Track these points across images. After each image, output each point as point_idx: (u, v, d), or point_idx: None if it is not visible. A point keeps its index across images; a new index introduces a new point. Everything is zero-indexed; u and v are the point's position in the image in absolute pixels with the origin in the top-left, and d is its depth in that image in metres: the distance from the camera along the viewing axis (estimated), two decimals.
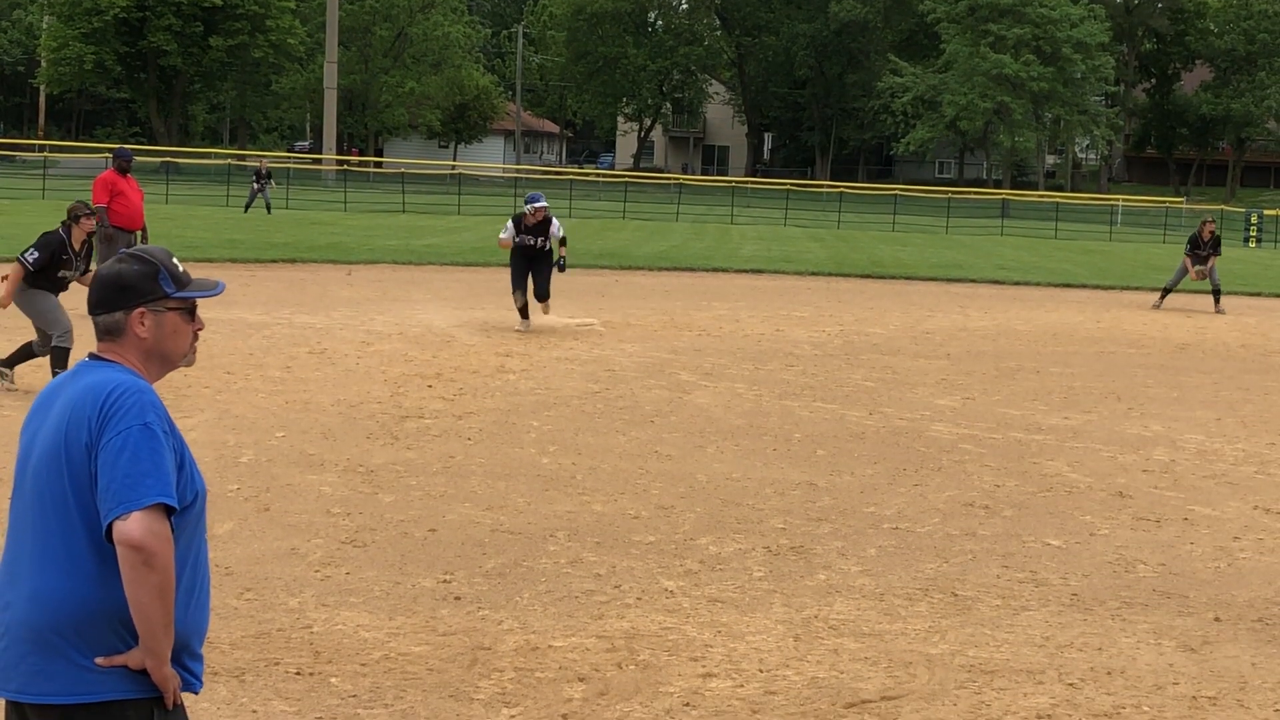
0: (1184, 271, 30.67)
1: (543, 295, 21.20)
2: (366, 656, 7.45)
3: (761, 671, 7.51)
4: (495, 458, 12.38)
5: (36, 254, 14.79)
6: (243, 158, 77.75)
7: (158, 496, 3.86)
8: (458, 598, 8.49)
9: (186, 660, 4.03)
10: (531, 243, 21.11)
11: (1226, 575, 9.76)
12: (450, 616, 8.15)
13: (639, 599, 8.64)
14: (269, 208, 50.36)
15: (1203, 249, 30.51)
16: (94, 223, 15.51)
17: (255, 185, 51.13)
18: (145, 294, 4.20)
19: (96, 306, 4.23)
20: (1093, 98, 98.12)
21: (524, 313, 21.25)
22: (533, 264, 21.16)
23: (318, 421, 13.62)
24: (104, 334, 4.21)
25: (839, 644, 7.99)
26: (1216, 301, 30.22)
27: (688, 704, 7.04)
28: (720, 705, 7.03)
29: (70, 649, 3.87)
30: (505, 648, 7.67)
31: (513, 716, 6.81)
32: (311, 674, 7.21)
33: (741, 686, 7.30)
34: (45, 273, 14.85)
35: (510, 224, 21.56)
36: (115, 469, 3.87)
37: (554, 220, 21.39)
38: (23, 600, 3.91)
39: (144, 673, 3.92)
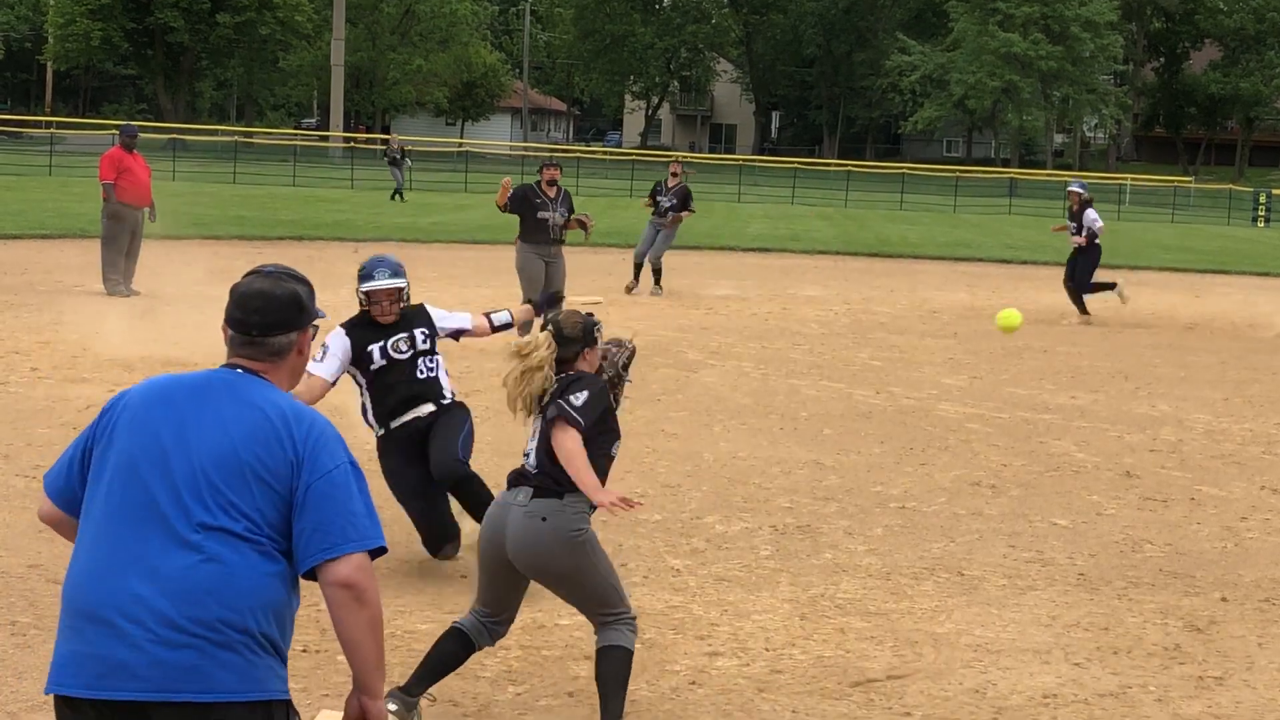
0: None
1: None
2: None
3: (768, 650, 7.51)
4: (502, 436, 12.37)
5: None
6: (249, 134, 77.67)
7: (377, 540, 3.90)
8: (464, 576, 8.49)
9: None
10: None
11: (1233, 555, 9.76)
12: (456, 595, 8.15)
13: (645, 578, 8.64)
14: (400, 193, 47.77)
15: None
16: None
17: (393, 168, 48.49)
18: (313, 315, 4.21)
19: (272, 327, 4.09)
20: (1101, 77, 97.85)
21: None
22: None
23: (325, 399, 13.59)
24: (269, 354, 4.10)
25: (845, 623, 7.99)
26: None
27: (694, 683, 7.04)
28: (726, 684, 7.04)
29: (242, 645, 3.76)
30: (512, 626, 7.67)
31: (518, 694, 6.81)
32: (318, 651, 7.22)
33: (748, 665, 7.30)
34: None
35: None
36: (332, 506, 3.85)
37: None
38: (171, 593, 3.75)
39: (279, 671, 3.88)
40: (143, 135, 22.29)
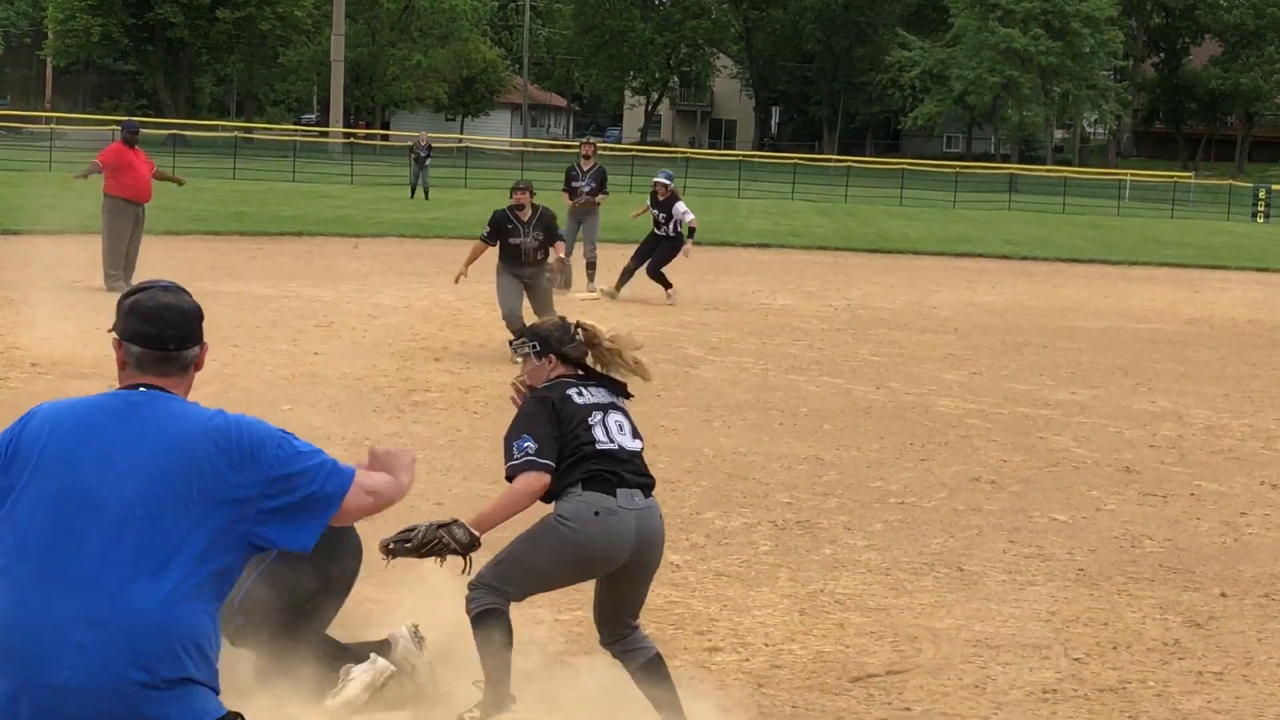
0: None
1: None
2: (372, 630, 7.44)
3: (767, 645, 7.52)
4: (501, 431, 12.35)
5: None
6: (249, 130, 77.63)
7: (350, 472, 4.19)
8: (463, 571, 8.47)
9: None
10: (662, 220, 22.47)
11: (1233, 550, 9.77)
12: (459, 589, 8.14)
13: None
14: (426, 191, 47.02)
15: None
16: None
17: (415, 165, 47.46)
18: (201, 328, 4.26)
19: (185, 340, 4.12)
20: (1101, 72, 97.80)
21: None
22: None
23: (324, 395, 13.63)
24: (180, 368, 4.12)
25: (845, 618, 7.99)
26: None
27: (693, 678, 7.05)
28: (726, 679, 7.04)
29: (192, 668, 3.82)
30: (512, 621, 7.67)
31: (518, 690, 6.81)
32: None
33: (747, 660, 7.30)
34: None
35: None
36: (307, 480, 4.05)
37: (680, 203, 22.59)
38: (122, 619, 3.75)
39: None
40: (143, 131, 22.29)
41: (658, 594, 8.24)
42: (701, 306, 21.93)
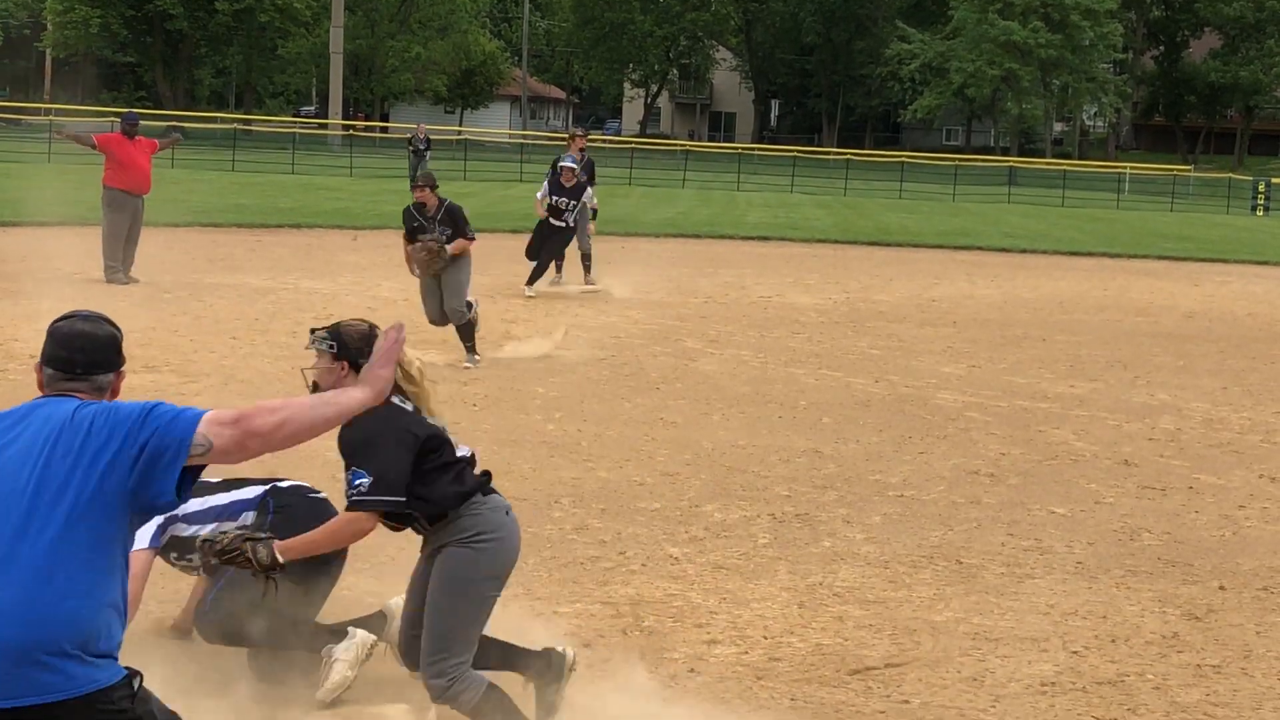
0: None
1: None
2: None
3: (766, 638, 7.52)
4: (500, 424, 12.38)
5: None
6: (248, 122, 77.62)
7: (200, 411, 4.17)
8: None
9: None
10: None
11: (1231, 544, 9.77)
12: None
13: (644, 565, 8.65)
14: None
15: None
16: None
17: (414, 157, 46.85)
18: (123, 359, 4.52)
19: (94, 366, 4.36)
20: (1101, 65, 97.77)
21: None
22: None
23: None
24: (93, 390, 4.34)
25: (843, 611, 8.00)
26: None
27: (692, 670, 7.05)
28: (725, 672, 7.05)
29: (79, 651, 3.97)
30: (510, 614, 7.68)
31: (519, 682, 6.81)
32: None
33: (746, 653, 7.31)
34: None
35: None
36: (158, 421, 4.13)
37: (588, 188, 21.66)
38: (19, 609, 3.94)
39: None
40: (142, 123, 22.27)
41: (657, 586, 8.25)
42: (700, 299, 21.92)
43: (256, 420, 4.11)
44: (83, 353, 4.33)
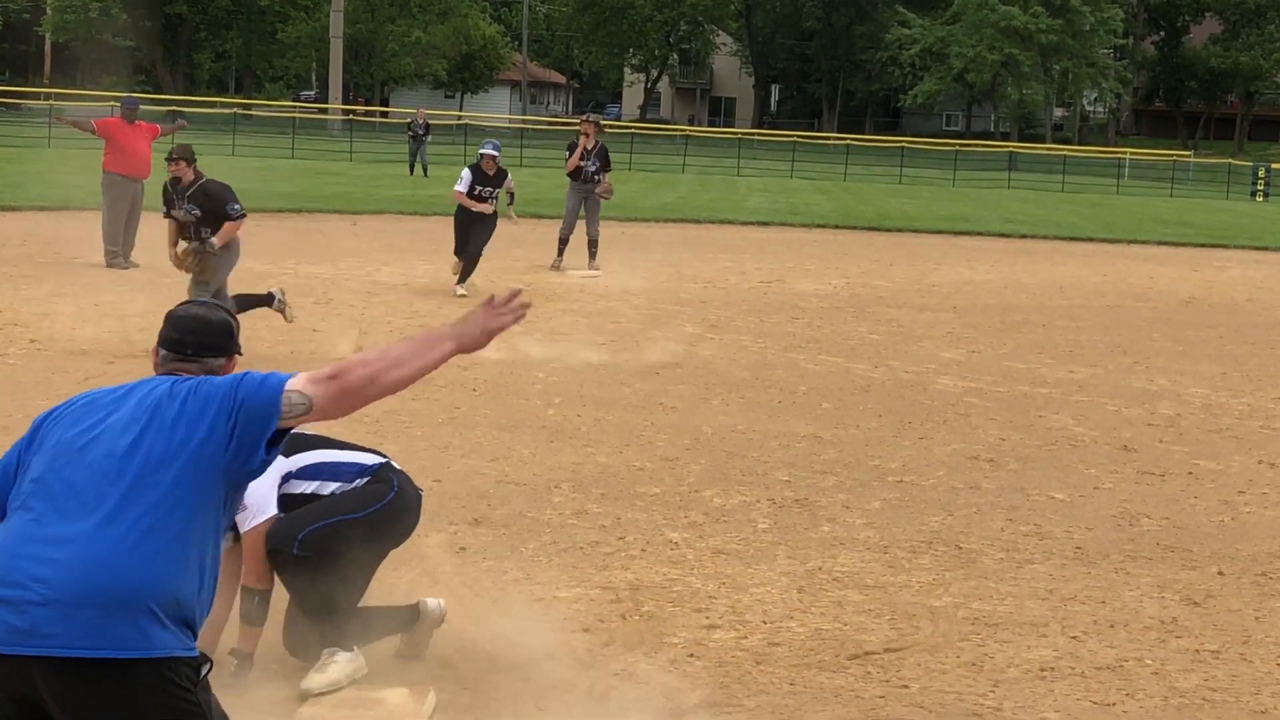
0: None
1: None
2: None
3: (765, 623, 7.53)
4: (500, 409, 12.39)
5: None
6: (248, 106, 77.56)
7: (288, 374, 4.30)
8: (462, 549, 8.51)
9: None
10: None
11: (1230, 529, 9.78)
12: (456, 568, 8.16)
13: (643, 551, 8.66)
14: (425, 168, 46.31)
15: None
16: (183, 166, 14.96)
17: (413, 142, 46.86)
18: (238, 346, 4.72)
19: (204, 349, 4.56)
20: (1101, 50, 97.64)
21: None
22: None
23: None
24: (201, 372, 4.49)
25: (843, 596, 8.01)
26: None
27: (692, 655, 7.06)
28: (724, 656, 7.06)
29: (163, 613, 4.00)
30: (510, 599, 7.69)
31: (517, 667, 6.82)
32: None
33: (745, 638, 7.32)
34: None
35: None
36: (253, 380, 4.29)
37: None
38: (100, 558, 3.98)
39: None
40: (142, 107, 22.27)
41: (656, 571, 8.27)
42: (700, 284, 21.92)
43: (353, 375, 4.21)
44: (194, 334, 4.55)
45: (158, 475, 4.08)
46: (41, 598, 3.90)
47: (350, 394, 4.20)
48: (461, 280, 19.34)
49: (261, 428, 4.18)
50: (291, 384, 4.22)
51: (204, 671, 4.09)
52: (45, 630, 3.87)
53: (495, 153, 19.75)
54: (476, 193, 19.60)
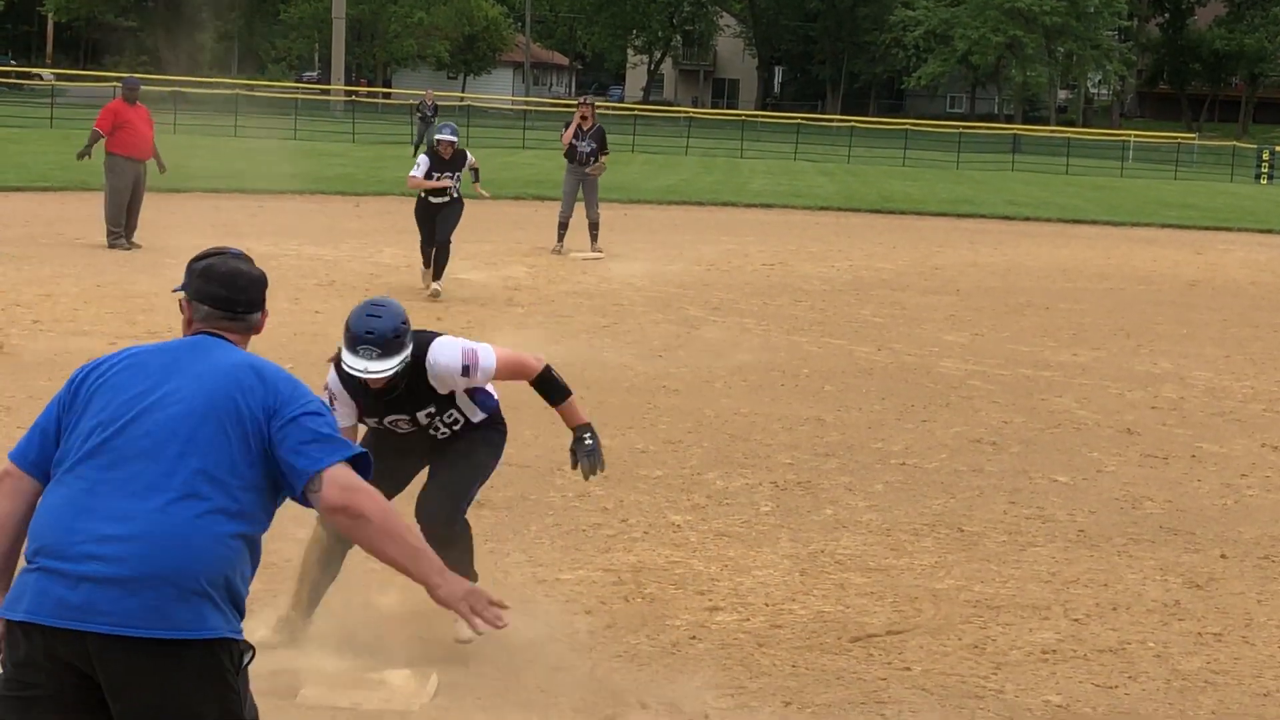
0: None
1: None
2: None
3: (767, 605, 7.53)
4: (503, 391, 12.36)
5: None
6: (251, 87, 77.39)
7: (349, 449, 4.09)
8: None
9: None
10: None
11: (1233, 512, 9.77)
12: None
13: (646, 533, 8.66)
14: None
15: None
16: None
17: (421, 124, 46.23)
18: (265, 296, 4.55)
19: (254, 305, 4.41)
20: (1106, 32, 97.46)
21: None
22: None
23: (324, 353, 13.59)
24: (245, 329, 4.40)
25: (845, 579, 8.01)
26: None
27: (694, 637, 7.07)
28: (726, 639, 7.06)
29: (214, 592, 3.95)
30: (513, 581, 7.70)
31: (519, 648, 6.83)
32: (319, 604, 7.23)
33: (748, 620, 7.32)
34: None
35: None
36: (306, 433, 4.08)
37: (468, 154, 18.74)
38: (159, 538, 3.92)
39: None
40: (144, 88, 22.22)
41: (659, 554, 8.27)
42: (703, 267, 21.90)
43: (361, 514, 4.04)
44: (244, 293, 4.41)
45: (218, 454, 4.01)
46: (100, 574, 3.85)
47: (345, 522, 4.05)
48: (436, 275, 17.92)
49: (290, 479, 4.08)
50: (315, 485, 4.04)
51: (247, 659, 4.06)
52: (102, 608, 3.83)
53: (453, 137, 18.34)
54: (435, 179, 18.20)
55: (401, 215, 27.38)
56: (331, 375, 6.94)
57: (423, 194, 18.27)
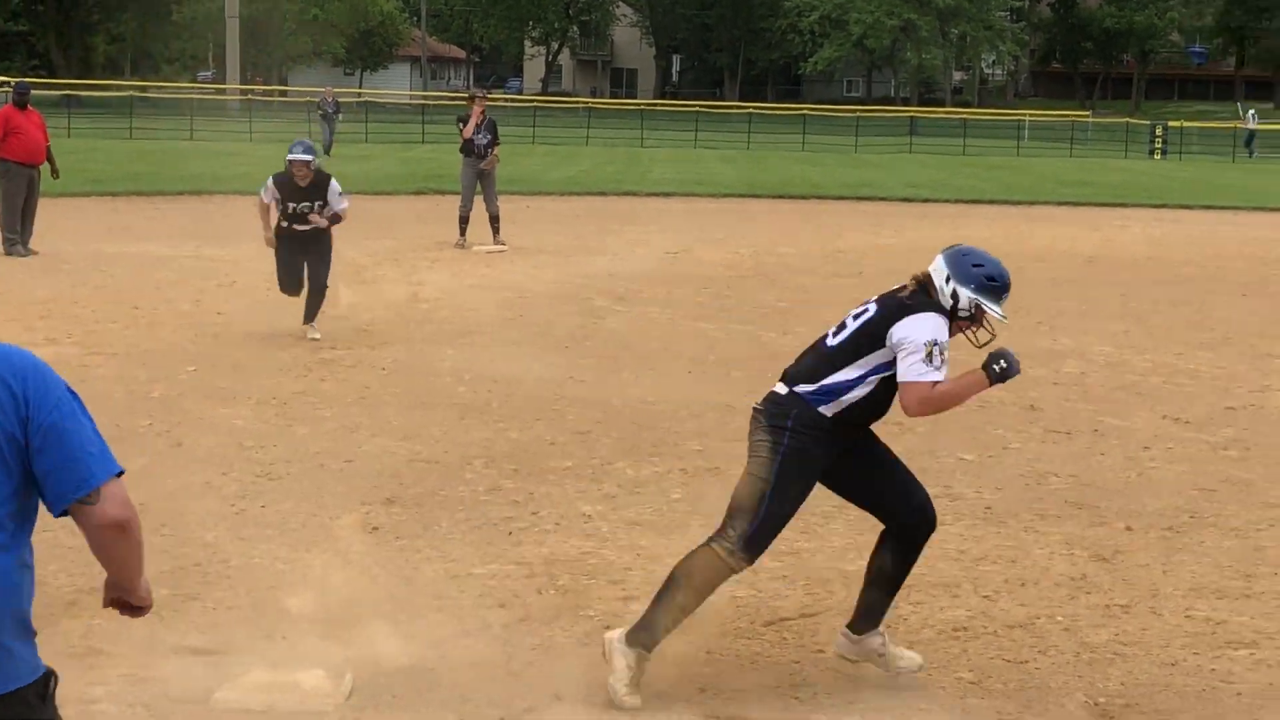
0: None
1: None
2: (284, 590, 7.42)
3: None
4: (410, 387, 12.34)
5: None
6: (145, 89, 76.59)
7: (116, 465, 3.75)
8: (375, 528, 8.47)
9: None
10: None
11: (1137, 485, 9.90)
12: (369, 548, 8.13)
13: (557, 524, 8.66)
14: (328, 147, 45.19)
15: None
16: None
17: (323, 122, 46.28)
18: None
19: None
20: (998, 13, 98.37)
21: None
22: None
23: (229, 355, 13.52)
24: None
25: (757, 564, 8.02)
26: None
27: (608, 627, 7.06)
28: None
29: (22, 628, 3.69)
30: (425, 577, 7.67)
31: (434, 645, 6.81)
32: (230, 608, 7.18)
33: None
34: None
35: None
36: (70, 441, 3.71)
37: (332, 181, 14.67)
38: None
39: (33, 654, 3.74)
40: (36, 93, 21.96)
41: (571, 545, 8.27)
42: (607, 257, 21.90)
43: (135, 517, 3.74)
44: None
45: (11, 472, 3.67)
46: None
47: (114, 536, 3.69)
48: (310, 317, 14.60)
49: (55, 494, 3.70)
50: (92, 499, 3.67)
51: (52, 685, 3.74)
52: None
53: (307, 157, 14.31)
54: (290, 210, 14.43)
55: None
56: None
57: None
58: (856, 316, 6.53)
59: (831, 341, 6.52)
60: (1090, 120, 75.28)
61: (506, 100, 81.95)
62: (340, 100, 52.31)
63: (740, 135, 61.03)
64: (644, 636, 6.26)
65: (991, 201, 35.61)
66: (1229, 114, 79.13)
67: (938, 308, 6.38)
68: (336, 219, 14.52)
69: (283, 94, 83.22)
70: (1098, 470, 10.26)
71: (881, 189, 37.88)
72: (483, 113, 22.79)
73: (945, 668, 6.68)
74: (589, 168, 43.18)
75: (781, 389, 6.50)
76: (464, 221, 22.61)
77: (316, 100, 49.61)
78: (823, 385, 6.37)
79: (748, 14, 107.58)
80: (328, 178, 14.55)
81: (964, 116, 72.44)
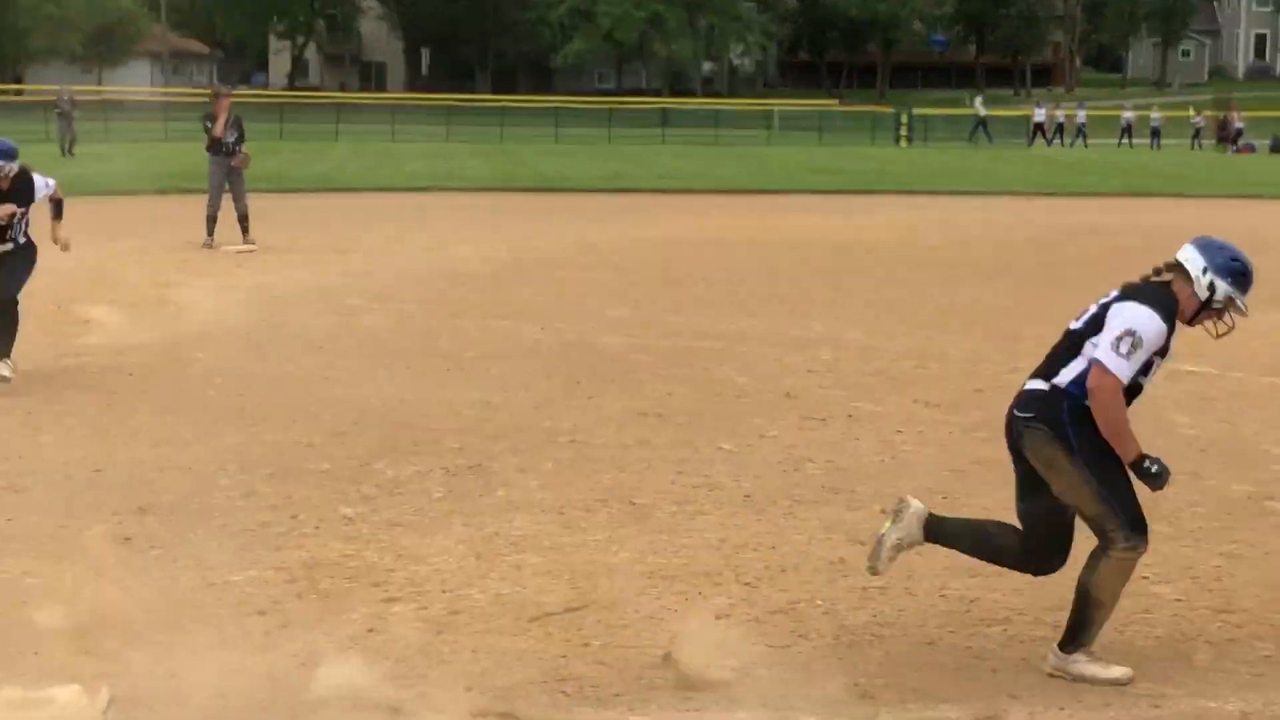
0: None
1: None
2: (32, 607, 7.19)
3: (445, 592, 7.50)
4: (160, 392, 12.06)
5: None
6: None
7: None
8: (128, 538, 8.26)
9: None
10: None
11: (890, 468, 10.09)
12: (122, 558, 7.92)
13: (317, 528, 8.53)
14: (70, 146, 44.85)
15: None
16: None
17: (61, 121, 45.62)
18: None
19: None
20: (745, 4, 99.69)
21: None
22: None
23: None
24: None
25: (521, 560, 8.02)
26: None
27: (372, 630, 6.99)
28: (405, 629, 7.00)
29: None
30: (181, 587, 7.51)
31: (193, 655, 6.66)
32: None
33: (425, 609, 7.27)
34: None
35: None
36: None
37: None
38: None
39: None
40: None
41: (331, 548, 8.16)
42: (361, 254, 21.68)
43: None
44: None
45: None
46: None
47: None
48: (4, 353, 12.11)
49: None
50: None
51: None
52: None
53: (7, 162, 12.34)
54: None
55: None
56: None
57: None
58: (1099, 302, 6.59)
59: (1074, 326, 6.59)
60: (838, 109, 76.70)
61: (252, 95, 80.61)
62: (78, 99, 51.06)
63: (493, 129, 60.93)
64: (1083, 637, 6.57)
65: (745, 191, 36.08)
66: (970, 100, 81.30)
67: (1164, 305, 6.41)
68: (54, 200, 12.96)
69: (19, 93, 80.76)
70: (853, 455, 10.44)
71: (635, 180, 38.12)
72: (227, 110, 22.38)
73: (708, 657, 6.73)
74: (339, 164, 42.75)
75: (1041, 385, 6.60)
76: (211, 221, 22.18)
77: (55, 99, 48.45)
78: (1079, 375, 6.47)
79: (496, 6, 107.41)
80: (32, 177, 12.68)
81: (715, 107, 73.37)
